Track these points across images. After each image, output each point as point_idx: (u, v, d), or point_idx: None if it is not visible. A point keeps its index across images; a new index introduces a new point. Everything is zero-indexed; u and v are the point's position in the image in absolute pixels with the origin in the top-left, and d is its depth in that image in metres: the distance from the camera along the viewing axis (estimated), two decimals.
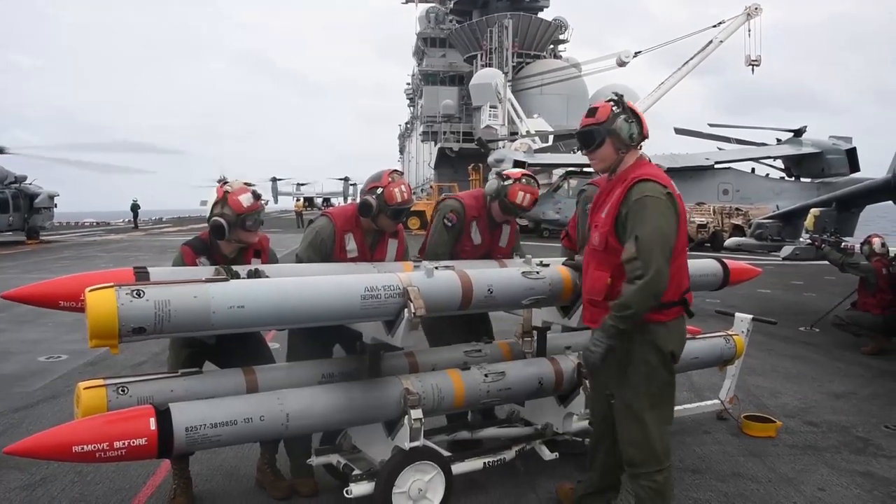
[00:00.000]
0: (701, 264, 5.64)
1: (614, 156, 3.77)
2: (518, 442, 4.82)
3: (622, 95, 3.85)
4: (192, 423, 3.36)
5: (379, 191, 4.60)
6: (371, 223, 4.72)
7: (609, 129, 3.72)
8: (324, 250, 4.66)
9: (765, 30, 45.34)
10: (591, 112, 3.81)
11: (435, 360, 4.69)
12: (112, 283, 3.18)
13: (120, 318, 3.08)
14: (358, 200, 4.77)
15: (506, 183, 5.15)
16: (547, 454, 4.84)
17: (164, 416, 3.31)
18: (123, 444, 3.17)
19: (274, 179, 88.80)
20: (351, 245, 4.70)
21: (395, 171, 4.78)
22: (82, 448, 3.10)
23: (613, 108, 3.76)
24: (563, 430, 4.88)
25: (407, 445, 3.93)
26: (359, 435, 4.33)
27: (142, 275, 3.88)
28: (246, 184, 4.38)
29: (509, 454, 4.67)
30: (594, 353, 3.60)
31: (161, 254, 24.16)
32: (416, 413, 3.91)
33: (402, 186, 4.65)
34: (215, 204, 4.28)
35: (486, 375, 4.36)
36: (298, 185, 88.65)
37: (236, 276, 3.93)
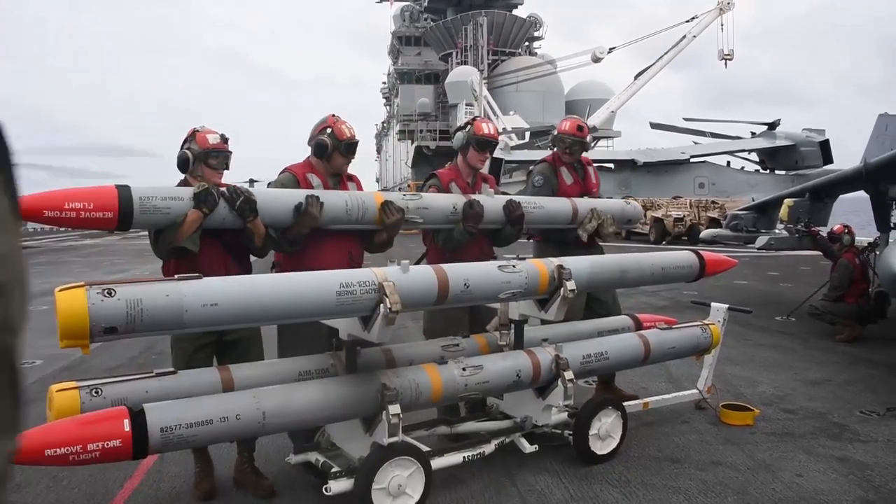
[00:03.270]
0: (677, 256, 5.69)
1: None
2: (497, 435, 4.83)
3: None
4: (166, 423, 3.33)
5: (328, 130, 4.75)
6: (327, 165, 4.81)
7: None
8: None
9: (745, 23, 46.04)
10: None
11: (412, 354, 4.68)
12: (83, 283, 3.15)
13: (91, 317, 3.05)
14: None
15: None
16: (527, 447, 4.84)
17: (138, 417, 3.27)
18: (97, 446, 3.14)
19: (251, 181, 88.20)
20: (317, 181, 4.78)
21: (335, 114, 4.91)
22: (55, 451, 3.07)
23: None
24: (542, 422, 4.89)
25: (385, 441, 3.92)
26: (337, 432, 4.32)
27: (123, 187, 3.86)
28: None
29: (489, 448, 4.67)
30: None
31: (138, 257, 23.93)
32: (394, 408, 3.89)
33: (348, 123, 4.84)
34: (184, 141, 4.50)
35: (463, 369, 4.35)
36: None
37: (220, 193, 4.14)
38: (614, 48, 50.43)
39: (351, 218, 4.63)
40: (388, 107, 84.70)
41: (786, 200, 11.30)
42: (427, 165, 53.68)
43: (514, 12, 66.07)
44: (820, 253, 10.47)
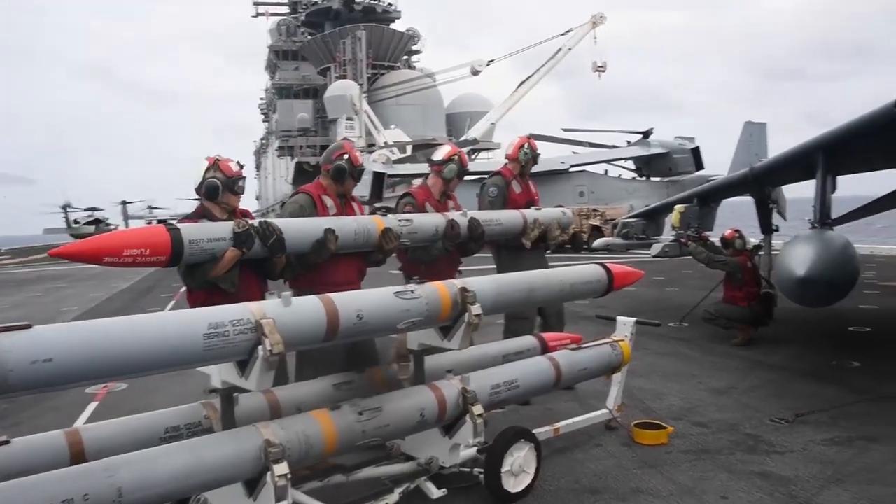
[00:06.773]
0: (585, 271, 5.34)
1: None
2: (401, 482, 4.29)
3: None
4: None
5: (346, 156, 5.18)
6: (339, 187, 5.23)
7: None
8: (304, 216, 5.02)
9: (620, 34, 47.36)
10: None
11: (300, 397, 4.10)
12: None
13: None
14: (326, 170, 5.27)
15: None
16: (434, 492, 4.33)
17: None
18: None
19: (123, 203, 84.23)
20: (330, 203, 5.17)
21: (347, 138, 4.92)
22: None
23: None
24: (449, 463, 4.38)
25: None
26: (216, 498, 3.66)
27: (174, 231, 4.01)
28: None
29: (392, 498, 4.13)
30: None
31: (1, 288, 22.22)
32: (281, 468, 3.29)
33: (359, 151, 5.12)
34: (207, 170, 4.66)
35: (360, 413, 3.80)
36: (151, 207, 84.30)
37: (255, 228, 4.31)
38: (493, 61, 50.82)
39: (357, 244, 5.00)
40: (267, 122, 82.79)
41: (676, 207, 11.28)
42: (308, 181, 52.52)
43: (392, 26, 65.93)
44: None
